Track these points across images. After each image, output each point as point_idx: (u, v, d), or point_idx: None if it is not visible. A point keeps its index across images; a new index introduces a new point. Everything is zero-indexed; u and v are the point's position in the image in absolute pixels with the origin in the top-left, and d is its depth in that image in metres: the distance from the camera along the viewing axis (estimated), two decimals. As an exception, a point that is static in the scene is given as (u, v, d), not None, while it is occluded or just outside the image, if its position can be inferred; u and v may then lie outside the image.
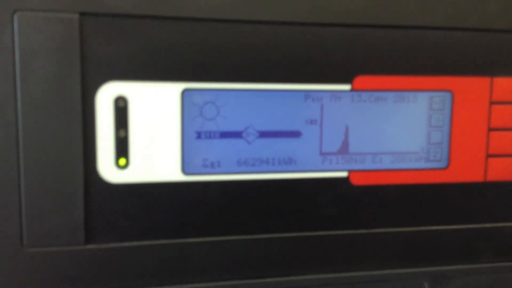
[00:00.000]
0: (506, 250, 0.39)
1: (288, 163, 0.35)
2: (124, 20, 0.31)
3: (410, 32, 0.35)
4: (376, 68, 0.35)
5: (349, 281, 0.37)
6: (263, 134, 0.35)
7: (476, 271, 0.39)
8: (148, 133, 0.33)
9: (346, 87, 0.35)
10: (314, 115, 0.35)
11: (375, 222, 0.37)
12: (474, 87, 0.37)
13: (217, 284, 0.35)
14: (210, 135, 0.34)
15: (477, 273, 0.39)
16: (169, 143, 0.33)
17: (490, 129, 0.38)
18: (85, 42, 0.31)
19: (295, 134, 0.35)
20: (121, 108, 0.32)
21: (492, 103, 0.37)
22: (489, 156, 0.38)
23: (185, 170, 0.34)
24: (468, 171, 0.38)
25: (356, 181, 0.36)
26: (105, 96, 0.32)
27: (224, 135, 0.34)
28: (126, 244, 0.34)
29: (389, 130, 0.36)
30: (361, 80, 0.35)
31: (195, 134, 0.34)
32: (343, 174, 0.36)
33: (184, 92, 0.33)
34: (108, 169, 0.33)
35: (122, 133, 0.33)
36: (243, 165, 0.35)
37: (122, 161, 0.33)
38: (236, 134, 0.34)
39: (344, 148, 0.36)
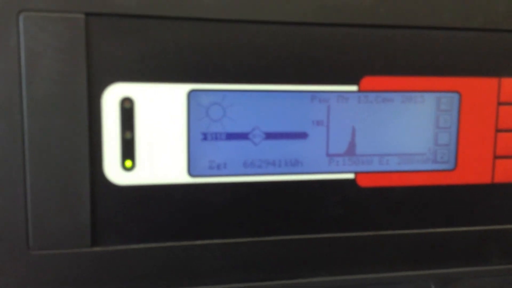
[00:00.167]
0: (514, 252, 0.39)
1: (295, 165, 0.35)
2: (130, 21, 0.31)
3: (417, 33, 0.35)
4: (383, 69, 0.35)
5: (356, 283, 0.37)
6: (270, 136, 0.35)
7: (484, 273, 0.39)
8: (154, 135, 0.33)
9: (353, 88, 0.35)
10: (321, 116, 0.35)
11: (382, 224, 0.37)
12: (481, 88, 0.37)
13: (224, 287, 0.35)
14: (216, 137, 0.34)
15: (485, 275, 0.39)
16: (175, 145, 0.33)
17: (498, 130, 0.37)
18: (91, 42, 0.31)
19: (302, 135, 0.35)
20: (127, 109, 0.32)
21: (499, 104, 0.37)
22: (496, 157, 0.38)
23: (191, 172, 0.34)
24: (475, 173, 0.38)
25: (363, 182, 0.36)
26: (111, 97, 0.32)
27: (230, 136, 0.34)
28: (132, 246, 0.33)
29: (396, 132, 0.36)
30: (368, 81, 0.35)
31: (201, 135, 0.34)
32: (350, 175, 0.36)
33: (190, 93, 0.33)
34: (114, 171, 0.33)
35: (128, 135, 0.32)
36: (250, 166, 0.35)
37: (128, 163, 0.33)
38: (243, 136, 0.34)
39: (350, 150, 0.36)
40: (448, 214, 0.38)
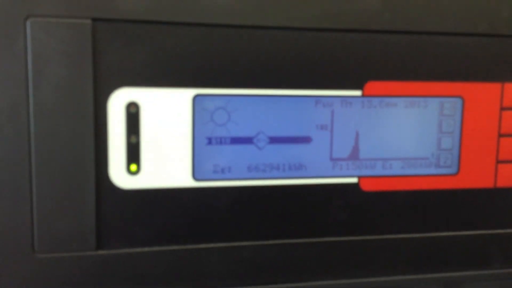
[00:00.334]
0: (517, 256, 0.39)
1: (299, 169, 0.35)
2: (136, 26, 0.32)
3: (421, 38, 0.35)
4: (387, 74, 0.35)
5: (359, 287, 0.37)
6: (274, 140, 0.35)
7: (486, 277, 0.39)
8: (159, 139, 0.33)
9: (357, 92, 0.35)
10: (325, 120, 0.35)
11: (385, 228, 0.37)
12: (484, 93, 0.37)
13: (228, 290, 0.35)
14: (221, 141, 0.34)
15: (487, 279, 0.39)
16: (180, 149, 0.33)
17: (501, 135, 0.37)
18: (98, 48, 0.31)
19: (306, 139, 0.35)
20: (132, 114, 0.32)
21: (502, 109, 0.37)
22: (499, 162, 0.38)
23: (195, 176, 0.34)
24: (478, 177, 0.38)
25: (366, 187, 0.36)
26: (117, 102, 0.32)
27: (235, 140, 0.34)
28: (137, 250, 0.34)
29: (399, 136, 0.36)
30: (372, 86, 0.35)
31: (206, 139, 0.34)
32: (353, 180, 0.36)
33: (195, 98, 0.33)
34: (119, 175, 0.33)
35: (133, 139, 0.33)
36: (254, 171, 0.35)
37: (133, 167, 0.33)
38: (247, 140, 0.34)
39: (354, 154, 0.36)
40: (450, 218, 0.38)
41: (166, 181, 0.33)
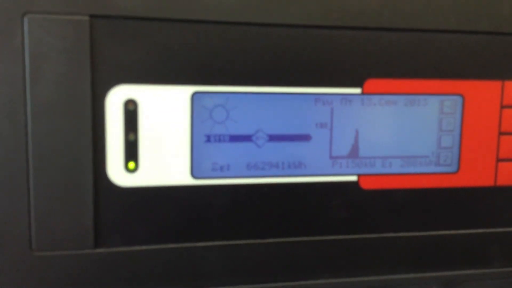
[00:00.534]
0: (517, 254, 0.39)
1: (298, 167, 0.35)
2: (134, 23, 0.31)
3: (421, 36, 0.35)
4: (387, 71, 0.35)
5: (359, 286, 0.37)
6: (273, 138, 0.35)
7: (486, 275, 0.39)
8: (158, 137, 0.33)
9: (357, 90, 0.35)
10: (324, 118, 0.35)
11: (384, 226, 0.37)
12: (485, 91, 0.37)
13: (227, 289, 0.35)
14: (219, 139, 0.34)
15: (488, 278, 0.39)
16: (179, 147, 0.33)
17: (501, 133, 0.37)
18: (95, 44, 0.31)
19: (305, 137, 0.35)
20: (131, 111, 0.32)
21: (503, 107, 0.37)
22: (499, 160, 0.38)
23: (194, 173, 0.34)
24: (478, 176, 0.38)
25: (366, 185, 0.36)
26: (115, 99, 0.32)
27: (234, 138, 0.34)
28: (136, 248, 0.33)
29: (399, 134, 0.36)
30: (372, 84, 0.35)
31: (204, 137, 0.34)
32: (353, 178, 0.36)
33: (194, 95, 0.33)
34: (117, 172, 0.33)
35: (131, 137, 0.32)
36: (253, 169, 0.35)
37: (131, 164, 0.33)
38: (246, 138, 0.34)
39: (354, 152, 0.36)
40: (450, 216, 0.38)
41: (164, 179, 0.33)
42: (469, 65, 0.36)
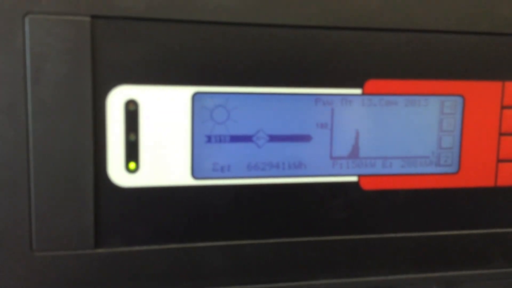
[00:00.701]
0: (517, 255, 0.39)
1: (298, 167, 0.35)
2: (135, 24, 0.31)
3: (422, 36, 0.35)
4: (387, 72, 0.35)
5: (359, 286, 0.37)
6: (274, 138, 0.35)
7: (487, 276, 0.39)
8: (158, 137, 0.33)
9: (357, 91, 0.35)
10: (325, 119, 0.35)
11: (385, 227, 0.37)
12: (485, 91, 0.37)
13: (228, 289, 0.35)
14: (220, 139, 0.34)
15: (488, 278, 0.39)
16: (179, 147, 0.33)
17: (501, 134, 0.37)
18: (96, 45, 0.31)
19: (306, 138, 0.35)
20: (131, 112, 0.32)
21: (503, 107, 0.37)
22: (499, 161, 0.38)
23: (195, 174, 0.34)
24: (478, 176, 0.38)
25: (366, 185, 0.36)
26: (116, 100, 0.32)
27: (234, 139, 0.34)
28: (136, 248, 0.33)
29: (399, 135, 0.36)
30: (372, 84, 0.35)
31: (205, 138, 0.34)
32: (353, 178, 0.36)
33: (195, 96, 0.33)
34: (118, 173, 0.33)
35: (132, 137, 0.32)
36: (253, 169, 0.35)
37: (132, 165, 0.33)
38: (247, 138, 0.34)
39: (354, 153, 0.36)
40: (451, 217, 0.38)
41: (165, 179, 0.33)
42: (470, 65, 0.36)
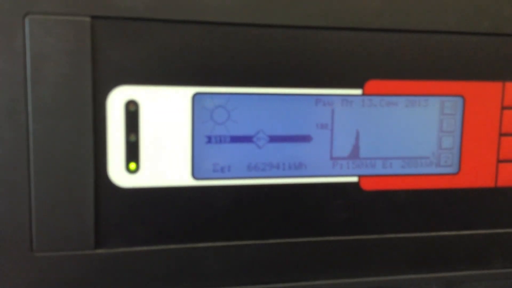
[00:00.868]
0: (517, 255, 0.39)
1: (299, 168, 0.35)
2: (135, 24, 0.31)
3: (422, 37, 0.35)
4: (388, 72, 0.35)
5: (359, 287, 0.37)
6: (274, 139, 0.35)
7: (487, 276, 0.39)
8: (159, 137, 0.33)
9: (357, 91, 0.35)
10: (325, 119, 0.35)
11: (385, 227, 0.37)
12: (486, 92, 0.37)
13: (228, 290, 0.35)
14: (220, 140, 0.34)
15: (488, 279, 0.39)
16: (180, 147, 0.33)
17: (502, 134, 0.37)
18: (97, 45, 0.31)
19: (306, 138, 0.35)
20: (132, 112, 0.32)
21: (503, 108, 0.37)
22: (500, 161, 0.38)
23: (195, 174, 0.34)
24: (478, 177, 0.38)
25: (367, 186, 0.36)
26: (116, 100, 0.32)
27: (235, 139, 0.34)
28: (136, 248, 0.33)
29: (400, 135, 0.36)
30: (372, 85, 0.35)
31: (205, 138, 0.34)
32: (354, 179, 0.36)
33: (195, 96, 0.33)
34: (118, 173, 0.33)
35: (132, 137, 0.32)
36: (254, 169, 0.35)
37: (132, 165, 0.33)
38: (247, 139, 0.34)
39: (354, 153, 0.36)
40: (451, 217, 0.38)
41: (165, 180, 0.33)
42: (470, 66, 0.36)
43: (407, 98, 0.36)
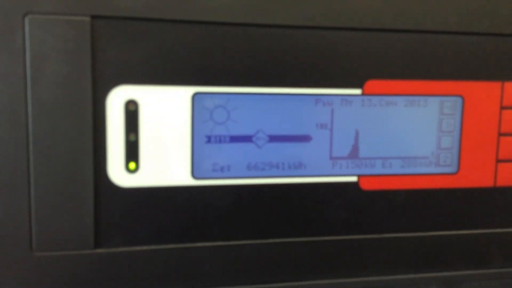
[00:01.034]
0: (516, 255, 0.39)
1: (298, 168, 0.35)
2: (135, 24, 0.31)
3: (421, 37, 0.35)
4: (387, 72, 0.35)
5: (359, 286, 0.37)
6: (273, 139, 0.35)
7: (486, 276, 0.39)
8: (158, 137, 0.33)
9: (357, 91, 0.35)
10: (325, 119, 0.35)
11: (384, 227, 0.37)
12: (485, 92, 0.37)
13: (227, 289, 0.35)
14: (220, 139, 0.34)
15: (487, 279, 0.39)
16: (179, 147, 0.33)
17: (501, 134, 0.37)
18: (96, 45, 0.31)
19: (306, 138, 0.35)
20: (131, 112, 0.32)
21: (502, 108, 0.37)
22: (499, 161, 0.38)
23: (195, 174, 0.34)
24: (478, 176, 0.38)
25: (366, 186, 0.36)
26: (116, 100, 0.32)
27: (234, 139, 0.34)
28: (136, 248, 0.33)
29: (399, 135, 0.36)
30: (372, 85, 0.35)
31: (205, 138, 0.34)
32: (353, 178, 0.36)
33: (195, 96, 0.33)
34: (118, 173, 0.33)
35: (132, 137, 0.32)
36: (253, 169, 0.35)
37: (132, 165, 0.33)
38: (246, 138, 0.34)
39: (354, 153, 0.36)
40: (450, 217, 0.38)
41: (165, 180, 0.33)
42: (469, 66, 0.36)
43: (406, 98, 0.36)
